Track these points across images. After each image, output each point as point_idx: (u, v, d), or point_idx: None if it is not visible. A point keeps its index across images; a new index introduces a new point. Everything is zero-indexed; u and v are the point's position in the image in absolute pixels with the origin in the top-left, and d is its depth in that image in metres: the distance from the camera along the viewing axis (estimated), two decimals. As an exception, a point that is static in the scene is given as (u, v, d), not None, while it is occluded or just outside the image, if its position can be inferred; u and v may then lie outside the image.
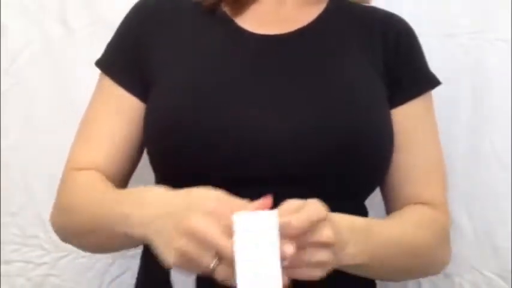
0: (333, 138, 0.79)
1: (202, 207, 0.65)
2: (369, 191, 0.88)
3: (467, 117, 1.10)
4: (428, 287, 1.14)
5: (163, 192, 0.72)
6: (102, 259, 1.16)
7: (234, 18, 0.89)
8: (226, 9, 0.90)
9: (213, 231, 0.63)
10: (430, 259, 0.88)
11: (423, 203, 0.88)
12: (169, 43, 0.87)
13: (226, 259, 0.63)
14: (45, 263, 1.15)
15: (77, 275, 1.16)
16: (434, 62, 0.99)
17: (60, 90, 1.12)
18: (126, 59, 0.88)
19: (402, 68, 0.90)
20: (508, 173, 1.07)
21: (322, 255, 0.66)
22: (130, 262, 1.13)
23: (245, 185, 0.74)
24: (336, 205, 0.77)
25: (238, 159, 0.78)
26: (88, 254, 1.15)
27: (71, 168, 0.87)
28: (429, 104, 0.93)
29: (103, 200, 0.79)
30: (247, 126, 0.79)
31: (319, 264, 0.67)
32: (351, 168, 0.80)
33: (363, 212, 0.90)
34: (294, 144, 0.78)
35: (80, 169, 0.86)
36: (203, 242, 0.63)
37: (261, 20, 0.89)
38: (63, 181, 0.87)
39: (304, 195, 0.75)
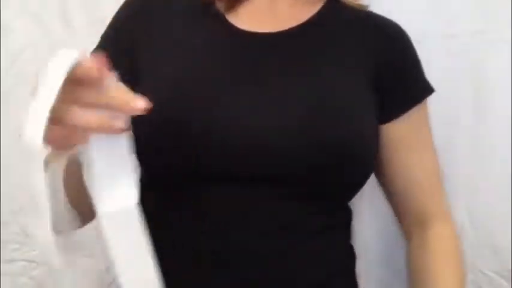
0: (319, 140, 0.78)
1: None
2: (352, 193, 0.87)
3: (467, 117, 1.10)
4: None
5: None
6: (103, 258, 1.16)
7: (226, 15, 0.88)
8: (219, 6, 0.89)
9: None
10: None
11: (432, 219, 0.92)
12: (160, 39, 0.87)
13: None
14: (47, 262, 1.16)
15: (78, 274, 1.16)
16: (435, 62, 0.99)
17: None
18: (116, 51, 0.87)
19: (397, 76, 0.89)
20: (508, 173, 1.07)
21: None
22: (131, 261, 1.13)
23: (228, 184, 0.75)
24: (318, 205, 0.77)
25: (223, 158, 0.77)
26: (90, 253, 1.15)
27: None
28: (426, 111, 0.93)
29: None
30: (234, 124, 0.78)
31: None
32: (335, 171, 0.79)
33: (346, 213, 0.90)
34: (279, 144, 0.78)
35: None
36: None
37: (253, 17, 0.88)
38: None
39: (287, 195, 0.76)
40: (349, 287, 0.90)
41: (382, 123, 0.89)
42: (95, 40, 0.94)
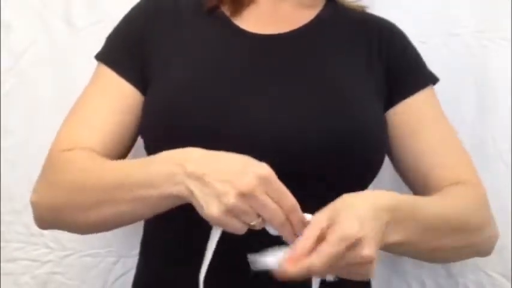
0: (328, 136, 0.80)
1: (260, 169, 0.68)
2: (361, 187, 0.88)
3: (470, 117, 1.10)
4: (433, 287, 1.14)
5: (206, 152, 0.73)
6: (106, 257, 1.16)
7: (232, 18, 0.91)
8: (224, 9, 0.92)
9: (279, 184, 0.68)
10: (478, 232, 0.88)
11: (455, 184, 0.89)
12: (169, 42, 0.89)
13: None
14: (50, 261, 1.15)
15: (81, 273, 1.16)
16: (438, 61, 0.99)
17: (65, 88, 1.12)
18: (128, 54, 0.90)
19: (399, 67, 0.92)
20: (509, 172, 1.08)
21: (365, 269, 0.68)
22: (134, 261, 1.12)
23: None
24: (327, 198, 0.77)
25: None
26: (93, 252, 1.16)
27: (62, 149, 0.85)
28: (431, 98, 0.95)
29: (128, 166, 0.77)
30: (245, 123, 0.80)
31: (366, 275, 0.69)
32: (344, 166, 0.81)
33: None
34: (291, 142, 0.80)
35: (71, 149, 0.85)
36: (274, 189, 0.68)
37: (258, 20, 0.91)
38: (55, 161, 0.85)
39: (303, 190, 0.76)
40: (362, 284, 0.90)
41: (390, 107, 0.91)
42: (97, 40, 0.95)
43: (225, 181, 0.67)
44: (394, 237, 0.73)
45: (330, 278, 0.70)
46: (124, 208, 0.76)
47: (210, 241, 0.73)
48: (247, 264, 0.77)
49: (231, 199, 0.66)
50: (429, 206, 0.81)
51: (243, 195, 0.66)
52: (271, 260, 0.69)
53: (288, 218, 0.69)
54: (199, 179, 0.68)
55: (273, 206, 0.68)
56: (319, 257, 0.66)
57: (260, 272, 0.69)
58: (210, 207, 0.67)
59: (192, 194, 0.69)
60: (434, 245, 0.81)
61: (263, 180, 0.67)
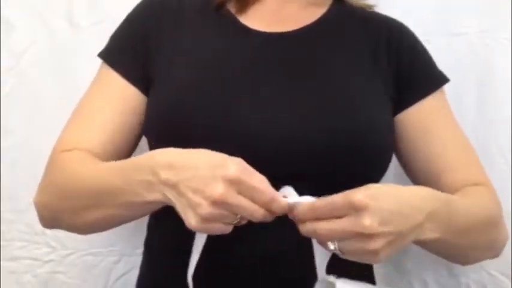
0: (332, 137, 0.80)
1: (228, 170, 0.66)
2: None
3: (473, 116, 1.09)
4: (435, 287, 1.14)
5: (181, 153, 0.72)
6: (108, 257, 1.17)
7: (237, 16, 0.91)
8: (230, 7, 0.91)
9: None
10: (496, 230, 0.88)
11: (473, 185, 0.89)
12: (173, 40, 0.89)
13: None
14: (52, 260, 1.16)
15: (83, 272, 1.16)
16: (442, 61, 0.99)
17: (65, 88, 1.12)
18: (131, 53, 0.90)
19: (410, 69, 0.92)
20: (509, 172, 1.07)
21: (367, 245, 0.66)
22: (136, 260, 1.13)
23: None
24: None
25: (237, 156, 0.77)
26: (94, 251, 1.16)
27: (63, 150, 0.86)
28: (443, 99, 0.95)
29: (109, 173, 0.78)
30: (247, 123, 0.80)
31: (369, 253, 0.67)
32: (346, 166, 0.81)
33: None
34: (292, 142, 0.80)
35: (70, 150, 0.86)
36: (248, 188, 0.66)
37: (263, 18, 0.91)
38: (54, 162, 0.86)
39: (298, 190, 0.75)
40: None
41: (403, 109, 0.91)
42: (98, 40, 0.94)
43: (196, 191, 0.66)
44: (431, 234, 0.73)
45: (331, 246, 0.68)
46: (112, 212, 0.77)
47: (195, 245, 0.73)
48: (238, 259, 0.79)
49: (205, 209, 0.66)
50: (460, 202, 0.80)
51: (216, 203, 0.66)
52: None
53: (268, 210, 0.68)
54: (174, 187, 0.68)
55: (248, 204, 0.67)
56: (319, 201, 0.67)
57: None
58: (188, 218, 0.68)
59: (171, 201, 0.70)
60: (466, 241, 0.81)
61: (234, 182, 0.66)
